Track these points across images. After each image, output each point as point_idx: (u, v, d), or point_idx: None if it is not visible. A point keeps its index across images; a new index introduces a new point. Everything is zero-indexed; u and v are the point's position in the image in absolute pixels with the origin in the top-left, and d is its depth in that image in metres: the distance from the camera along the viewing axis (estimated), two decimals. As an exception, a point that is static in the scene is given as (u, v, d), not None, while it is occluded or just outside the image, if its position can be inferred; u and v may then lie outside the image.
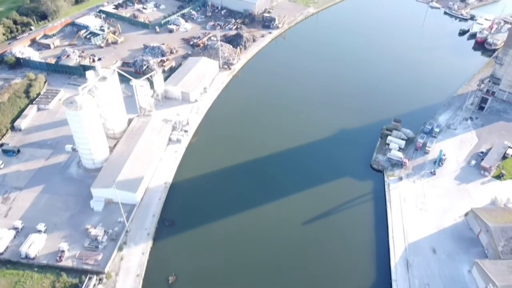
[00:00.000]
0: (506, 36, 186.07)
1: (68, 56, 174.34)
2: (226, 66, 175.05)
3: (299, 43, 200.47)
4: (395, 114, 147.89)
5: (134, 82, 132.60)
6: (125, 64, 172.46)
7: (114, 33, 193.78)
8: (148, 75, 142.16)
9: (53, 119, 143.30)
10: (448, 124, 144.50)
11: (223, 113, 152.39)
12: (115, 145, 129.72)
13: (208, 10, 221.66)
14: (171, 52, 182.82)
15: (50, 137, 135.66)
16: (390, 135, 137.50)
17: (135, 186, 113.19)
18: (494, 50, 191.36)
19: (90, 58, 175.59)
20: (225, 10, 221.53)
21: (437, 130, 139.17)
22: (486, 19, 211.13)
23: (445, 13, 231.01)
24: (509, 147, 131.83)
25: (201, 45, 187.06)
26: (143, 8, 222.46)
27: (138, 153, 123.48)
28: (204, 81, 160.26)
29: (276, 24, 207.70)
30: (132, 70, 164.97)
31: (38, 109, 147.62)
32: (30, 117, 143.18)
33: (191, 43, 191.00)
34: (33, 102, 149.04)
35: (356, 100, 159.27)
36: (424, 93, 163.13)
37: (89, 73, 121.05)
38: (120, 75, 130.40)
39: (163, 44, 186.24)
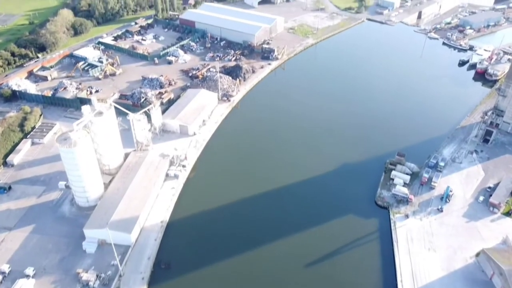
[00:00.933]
0: (508, 67, 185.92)
1: (65, 88, 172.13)
2: (225, 98, 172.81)
3: (299, 74, 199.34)
4: (398, 146, 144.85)
5: (131, 116, 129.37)
6: (122, 96, 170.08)
7: (112, 64, 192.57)
8: (145, 109, 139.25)
9: (47, 154, 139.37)
10: (453, 157, 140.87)
11: (222, 146, 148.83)
12: (110, 181, 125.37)
13: (207, 41, 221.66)
14: (170, 84, 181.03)
15: (43, 173, 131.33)
16: (394, 169, 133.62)
17: (130, 226, 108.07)
18: (495, 81, 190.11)
19: (87, 90, 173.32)
20: (224, 42, 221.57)
21: (442, 164, 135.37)
22: (485, 50, 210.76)
23: (444, 43, 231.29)
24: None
25: (200, 76, 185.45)
26: (142, 39, 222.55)
27: (134, 191, 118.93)
28: (203, 114, 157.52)
29: (275, 55, 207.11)
30: (130, 102, 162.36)
31: (32, 143, 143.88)
32: (24, 152, 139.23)
33: (190, 74, 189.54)
34: (28, 136, 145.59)
35: (357, 132, 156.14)
36: (426, 125, 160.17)
37: (85, 108, 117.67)
38: (117, 108, 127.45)
39: (162, 75, 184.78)
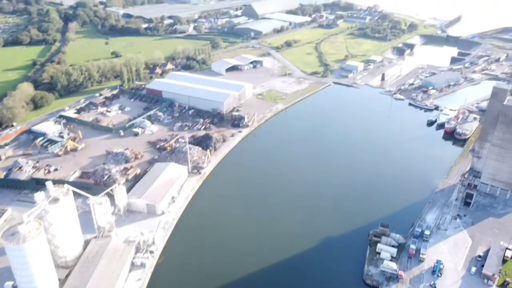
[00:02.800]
0: (475, 126, 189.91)
1: (20, 168, 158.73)
2: (196, 171, 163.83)
3: (271, 141, 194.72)
4: (379, 214, 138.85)
5: (91, 200, 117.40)
6: (84, 174, 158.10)
7: (74, 139, 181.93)
8: (108, 190, 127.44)
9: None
10: (438, 224, 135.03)
11: (194, 226, 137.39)
12: (67, 276, 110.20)
13: (175, 110, 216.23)
14: (136, 158, 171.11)
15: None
16: (379, 241, 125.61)
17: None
18: (464, 140, 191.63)
19: (45, 170, 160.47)
20: (192, 110, 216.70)
21: (427, 232, 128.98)
22: (451, 109, 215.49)
23: (410, 104, 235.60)
24: (507, 248, 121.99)
25: (168, 148, 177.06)
26: (107, 111, 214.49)
27: (94, 287, 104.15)
28: (172, 190, 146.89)
29: (245, 122, 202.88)
30: (92, 181, 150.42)
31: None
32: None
33: (158, 146, 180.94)
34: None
35: (335, 201, 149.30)
36: (405, 190, 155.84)
37: (38, 195, 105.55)
38: (77, 190, 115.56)
39: (127, 149, 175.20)
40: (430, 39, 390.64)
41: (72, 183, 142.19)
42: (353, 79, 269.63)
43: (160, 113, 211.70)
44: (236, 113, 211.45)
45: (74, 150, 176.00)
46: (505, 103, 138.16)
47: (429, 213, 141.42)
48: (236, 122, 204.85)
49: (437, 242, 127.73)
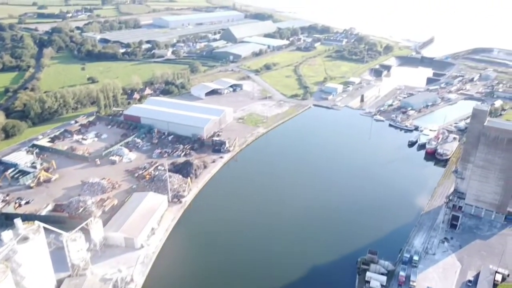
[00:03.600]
0: (459, 149, 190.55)
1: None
2: (176, 199, 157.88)
3: (253, 166, 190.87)
4: (366, 240, 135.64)
5: (64, 237, 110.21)
6: (58, 206, 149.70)
7: (47, 170, 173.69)
8: (83, 224, 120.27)
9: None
10: (426, 248, 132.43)
11: (175, 259, 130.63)
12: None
13: (154, 137, 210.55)
14: (113, 188, 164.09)
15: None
16: (367, 269, 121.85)
17: None
18: (446, 160, 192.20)
19: (15, 203, 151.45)
20: (172, 136, 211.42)
21: (416, 258, 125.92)
22: (430, 130, 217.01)
23: (390, 125, 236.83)
24: (496, 272, 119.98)
25: (147, 176, 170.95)
26: (83, 139, 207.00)
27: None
28: (152, 221, 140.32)
29: (227, 148, 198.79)
30: (66, 214, 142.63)
31: None
32: None
33: (136, 175, 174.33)
34: None
35: (320, 227, 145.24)
36: (390, 213, 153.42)
37: (5, 235, 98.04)
38: (48, 226, 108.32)
39: (104, 178, 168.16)
40: (406, 60, 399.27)
41: (45, 217, 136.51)
42: (333, 101, 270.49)
43: (138, 140, 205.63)
44: (217, 138, 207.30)
45: (47, 181, 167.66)
46: (485, 124, 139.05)
47: (417, 237, 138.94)
48: (217, 147, 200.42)
49: (427, 267, 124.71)
